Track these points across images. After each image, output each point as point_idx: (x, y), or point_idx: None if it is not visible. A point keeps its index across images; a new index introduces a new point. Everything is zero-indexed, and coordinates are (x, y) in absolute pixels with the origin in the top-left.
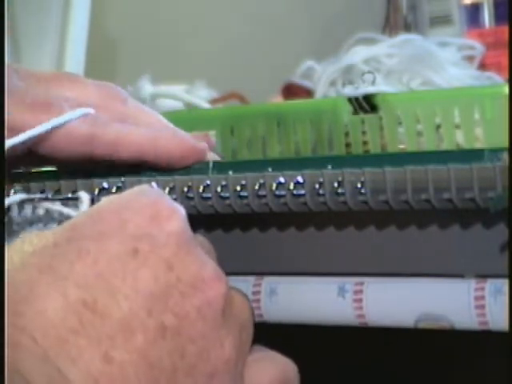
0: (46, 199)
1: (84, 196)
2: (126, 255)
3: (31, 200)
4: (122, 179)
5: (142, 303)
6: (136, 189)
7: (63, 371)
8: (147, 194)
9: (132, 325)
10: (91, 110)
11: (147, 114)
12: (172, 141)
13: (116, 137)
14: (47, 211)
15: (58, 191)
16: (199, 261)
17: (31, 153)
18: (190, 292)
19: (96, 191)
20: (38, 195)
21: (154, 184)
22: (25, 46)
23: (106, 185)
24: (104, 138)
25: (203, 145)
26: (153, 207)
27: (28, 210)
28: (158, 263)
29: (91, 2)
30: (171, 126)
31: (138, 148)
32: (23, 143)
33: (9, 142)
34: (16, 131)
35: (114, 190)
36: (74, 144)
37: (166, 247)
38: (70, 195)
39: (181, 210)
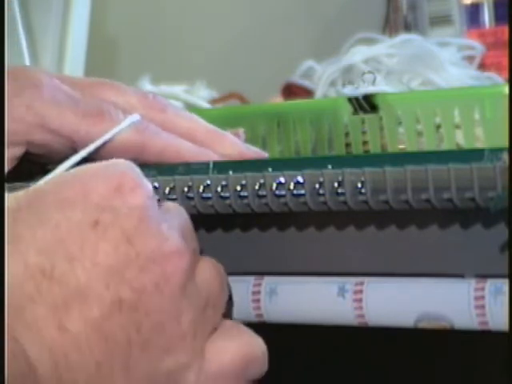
0: None
1: None
2: (87, 225)
3: None
4: None
5: (99, 275)
6: (108, 161)
7: (18, 339)
8: (116, 165)
9: (88, 296)
10: (139, 117)
11: (187, 121)
12: (213, 156)
13: (165, 147)
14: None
15: None
16: (160, 235)
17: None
18: (148, 266)
19: None
20: None
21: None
22: (25, 47)
23: None
24: (153, 148)
25: (253, 154)
26: (118, 179)
27: None
28: (117, 236)
29: (91, 1)
30: (211, 129)
31: (182, 161)
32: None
33: (75, 158)
34: (68, 139)
35: None
36: (125, 153)
37: (127, 220)
38: None
39: (147, 185)
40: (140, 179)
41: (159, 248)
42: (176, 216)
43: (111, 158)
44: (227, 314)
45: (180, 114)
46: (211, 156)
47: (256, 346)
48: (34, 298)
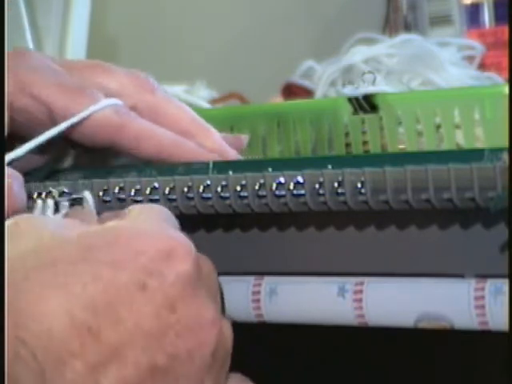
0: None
1: (87, 195)
2: (135, 287)
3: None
4: (123, 180)
5: (139, 339)
6: (149, 214)
7: None
8: (162, 225)
9: (127, 357)
10: (120, 102)
11: (175, 106)
12: (192, 149)
13: (141, 131)
14: (55, 211)
15: (62, 193)
16: (201, 304)
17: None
18: (185, 334)
19: (96, 192)
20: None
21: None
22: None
23: (105, 186)
24: (130, 130)
25: (231, 155)
26: (169, 244)
27: (37, 211)
28: (162, 302)
29: (91, 1)
30: (198, 119)
31: (160, 148)
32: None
33: (50, 132)
34: (46, 107)
35: (116, 190)
36: (101, 132)
37: (173, 287)
38: (73, 196)
39: (194, 251)
40: (191, 246)
41: (198, 317)
42: (210, 277)
43: (87, 134)
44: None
45: (169, 99)
46: (188, 145)
47: None
48: (76, 354)
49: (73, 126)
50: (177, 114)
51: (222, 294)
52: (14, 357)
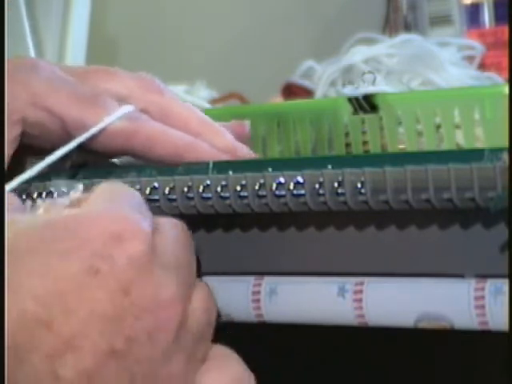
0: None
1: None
2: (85, 274)
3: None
4: (123, 180)
5: (94, 325)
6: (103, 195)
7: None
8: (112, 205)
9: (83, 345)
10: (134, 108)
11: (184, 107)
12: (205, 150)
13: (154, 134)
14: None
15: (28, 194)
16: (156, 284)
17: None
18: (142, 316)
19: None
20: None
21: (119, 183)
22: (25, 46)
23: None
24: (143, 135)
25: (243, 153)
26: (117, 225)
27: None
28: (115, 286)
29: (91, 1)
30: (206, 119)
31: (174, 150)
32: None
33: (66, 148)
34: (60, 119)
35: None
36: (115, 141)
37: (125, 270)
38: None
39: (145, 229)
40: (139, 224)
41: (154, 296)
42: (173, 246)
43: (100, 141)
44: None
45: (176, 100)
46: (202, 146)
47: (246, 377)
48: (31, 347)
49: (90, 139)
50: (186, 115)
51: (198, 260)
52: None
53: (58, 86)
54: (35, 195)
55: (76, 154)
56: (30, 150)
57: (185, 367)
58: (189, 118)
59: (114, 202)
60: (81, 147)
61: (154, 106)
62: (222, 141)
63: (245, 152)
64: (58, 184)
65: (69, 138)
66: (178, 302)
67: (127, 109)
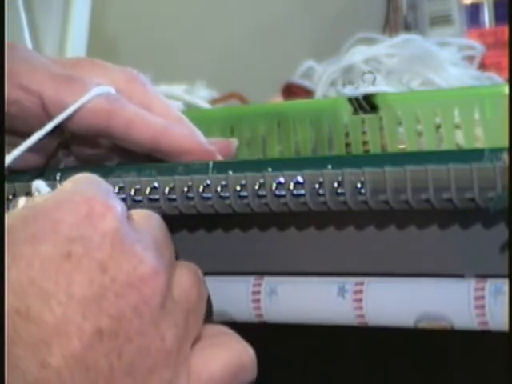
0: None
1: (41, 185)
2: (60, 258)
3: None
4: (123, 179)
5: (76, 308)
6: (71, 182)
7: (6, 380)
8: (81, 189)
9: (67, 330)
10: (112, 89)
11: (163, 103)
12: (182, 133)
13: (132, 117)
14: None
15: (28, 193)
16: (134, 258)
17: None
18: (125, 291)
19: None
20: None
21: (90, 176)
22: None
23: None
24: (120, 117)
25: (212, 148)
26: (86, 205)
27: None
28: (91, 266)
29: (91, 1)
30: (185, 119)
31: (151, 133)
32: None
33: (45, 128)
34: (37, 97)
35: (115, 190)
36: (91, 120)
37: (100, 249)
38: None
39: (115, 206)
40: (108, 202)
41: (134, 271)
42: (148, 228)
43: (76, 120)
44: (208, 315)
45: (157, 96)
46: (180, 131)
47: (244, 352)
48: (13, 339)
49: (68, 118)
50: (165, 111)
51: (208, 296)
52: None
53: (34, 65)
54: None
55: (65, 154)
56: (11, 132)
57: (177, 342)
58: (167, 114)
59: (82, 187)
60: (60, 128)
61: (135, 98)
62: (195, 131)
63: (214, 151)
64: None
65: (48, 118)
66: (159, 274)
67: (105, 89)
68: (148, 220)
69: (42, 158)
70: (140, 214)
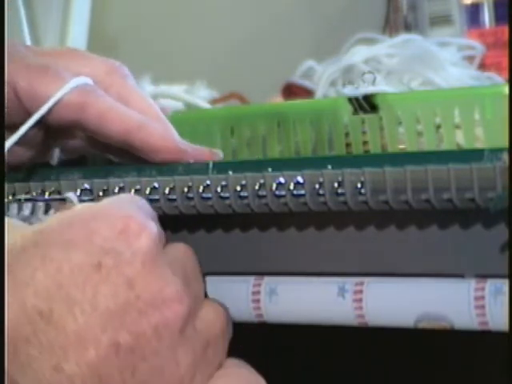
0: (31, 200)
1: (72, 197)
2: (90, 268)
3: (17, 200)
4: (123, 180)
5: (97, 319)
6: (113, 199)
7: (15, 379)
8: (121, 206)
9: (85, 339)
10: (89, 80)
11: (142, 98)
12: (158, 130)
13: (106, 110)
14: (32, 212)
15: (43, 191)
16: (162, 280)
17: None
18: (147, 311)
19: (96, 192)
20: (24, 196)
21: (133, 195)
22: None
23: (105, 186)
24: (93, 109)
25: (186, 148)
26: (123, 221)
27: (13, 210)
28: (119, 280)
29: (91, 1)
30: (161, 114)
31: (124, 127)
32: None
33: (27, 124)
34: (10, 87)
35: (116, 190)
36: (63, 111)
37: (130, 265)
38: (54, 196)
39: (151, 227)
40: (146, 222)
41: (159, 293)
42: (179, 257)
43: (52, 116)
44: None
45: (136, 90)
46: (154, 128)
47: (256, 382)
48: (29, 339)
49: (48, 112)
50: (143, 105)
51: (204, 278)
52: None
53: (11, 56)
54: (34, 194)
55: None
56: None
57: (192, 370)
58: (145, 110)
59: (121, 204)
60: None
61: (113, 90)
62: (170, 133)
63: (188, 150)
64: (60, 185)
65: (23, 109)
66: (183, 300)
67: (80, 80)
68: (180, 250)
69: (32, 150)
70: (174, 244)
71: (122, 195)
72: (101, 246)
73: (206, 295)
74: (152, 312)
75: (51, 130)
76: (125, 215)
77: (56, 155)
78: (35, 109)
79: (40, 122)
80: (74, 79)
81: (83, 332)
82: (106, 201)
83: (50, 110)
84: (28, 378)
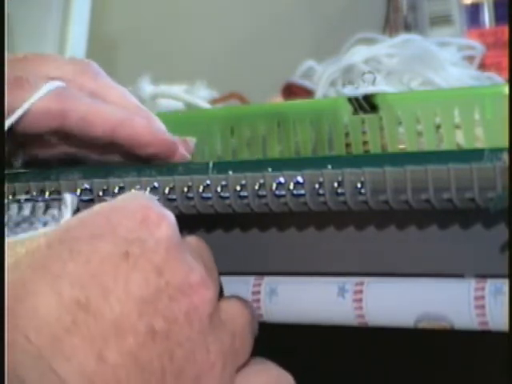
0: (31, 200)
1: (67, 197)
2: (118, 257)
3: (17, 200)
4: (123, 180)
5: (132, 306)
6: (127, 194)
7: (57, 370)
8: (137, 199)
9: (123, 327)
10: (62, 84)
11: (117, 92)
12: (141, 124)
13: (87, 111)
14: (32, 212)
15: (43, 191)
16: (187, 266)
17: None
18: (177, 296)
19: (96, 192)
20: (24, 196)
21: (146, 192)
22: (25, 46)
23: (105, 186)
24: (75, 113)
25: (174, 138)
26: (142, 212)
27: (14, 210)
28: (148, 267)
29: (91, 1)
30: (141, 106)
31: (108, 126)
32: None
33: None
34: None
35: (116, 190)
36: (44, 120)
37: (156, 252)
38: (54, 196)
39: (170, 216)
40: (163, 211)
41: (186, 279)
42: (197, 249)
43: (31, 124)
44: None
45: (111, 86)
46: (137, 121)
47: (284, 379)
48: (71, 329)
49: (18, 122)
50: (122, 100)
51: (220, 281)
52: (8, 344)
53: None
54: (34, 193)
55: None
56: None
57: (222, 358)
58: (124, 103)
59: (136, 197)
60: (11, 133)
61: (88, 89)
62: (155, 125)
63: (180, 147)
64: (60, 185)
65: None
66: (208, 286)
67: (52, 85)
68: (197, 241)
69: None
70: (192, 237)
71: (134, 191)
72: (125, 237)
73: (222, 292)
74: (181, 297)
75: (23, 142)
76: (143, 206)
77: (20, 160)
78: (17, 123)
79: (8, 134)
80: (46, 85)
81: (121, 320)
82: (121, 197)
83: (29, 121)
84: (72, 368)
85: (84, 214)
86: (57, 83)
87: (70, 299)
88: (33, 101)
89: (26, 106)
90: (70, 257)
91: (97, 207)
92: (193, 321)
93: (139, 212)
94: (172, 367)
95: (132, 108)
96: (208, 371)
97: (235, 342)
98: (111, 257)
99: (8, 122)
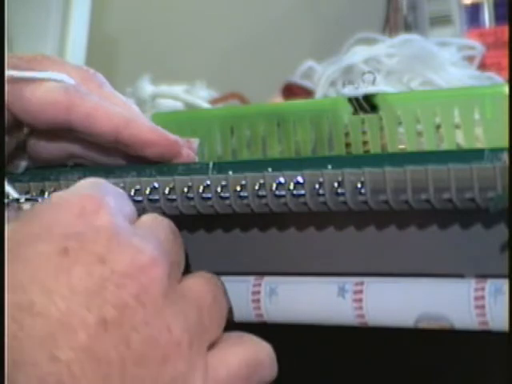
0: (31, 200)
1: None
2: (57, 255)
3: (17, 200)
4: (123, 180)
5: (78, 300)
6: (73, 187)
7: (13, 376)
8: (78, 190)
9: (72, 323)
10: (72, 80)
11: (121, 100)
12: (146, 124)
13: (93, 108)
14: (18, 212)
15: (43, 191)
16: (132, 249)
17: (14, 121)
18: (125, 282)
19: None
20: (24, 196)
21: (91, 179)
22: (25, 46)
23: None
24: (81, 108)
25: (176, 137)
26: (79, 204)
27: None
28: (89, 259)
29: (91, 1)
30: (141, 115)
31: (113, 124)
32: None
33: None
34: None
35: None
36: (51, 111)
37: (96, 242)
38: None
39: (109, 203)
40: (101, 199)
41: (132, 261)
42: (152, 226)
43: (38, 114)
44: (230, 327)
45: (116, 95)
46: (142, 121)
47: (262, 350)
48: (18, 336)
49: (20, 109)
50: (123, 107)
51: (186, 253)
52: None
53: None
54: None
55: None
56: None
57: (188, 336)
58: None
59: (80, 189)
60: (18, 126)
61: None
62: (159, 128)
63: (174, 140)
64: (60, 185)
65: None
66: (157, 264)
67: (64, 77)
68: (153, 220)
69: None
70: (147, 216)
71: (83, 180)
72: (62, 234)
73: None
74: (129, 282)
75: (27, 138)
76: (79, 198)
77: (23, 164)
78: (20, 111)
79: (14, 128)
80: (58, 73)
81: (68, 316)
82: (63, 192)
83: (36, 112)
84: (25, 373)
85: (26, 213)
86: (67, 78)
87: (12, 306)
88: (36, 76)
89: (41, 74)
90: (11, 263)
91: (36, 208)
92: (145, 303)
93: (75, 205)
94: (131, 354)
95: (135, 114)
96: (174, 350)
97: (203, 318)
98: (50, 255)
99: (20, 74)
